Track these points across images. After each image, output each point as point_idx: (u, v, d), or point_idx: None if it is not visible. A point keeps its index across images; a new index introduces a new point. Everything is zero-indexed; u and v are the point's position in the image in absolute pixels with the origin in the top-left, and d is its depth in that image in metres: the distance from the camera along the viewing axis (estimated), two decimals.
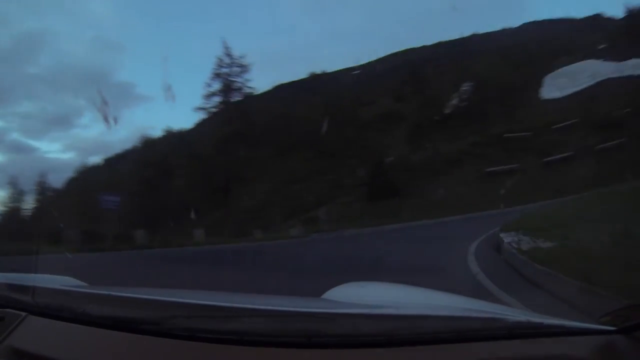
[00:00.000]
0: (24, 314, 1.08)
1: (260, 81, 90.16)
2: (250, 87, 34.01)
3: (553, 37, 48.24)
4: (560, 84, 39.72)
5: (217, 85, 33.19)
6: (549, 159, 27.70)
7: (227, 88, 33.51)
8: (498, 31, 58.97)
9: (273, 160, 33.69)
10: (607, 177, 19.36)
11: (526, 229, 7.68)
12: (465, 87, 39.76)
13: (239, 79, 33.53)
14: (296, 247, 13.75)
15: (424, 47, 59.80)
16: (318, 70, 52.43)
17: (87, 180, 36.69)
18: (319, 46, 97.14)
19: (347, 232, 18.55)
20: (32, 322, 1.06)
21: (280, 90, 49.82)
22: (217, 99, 33.35)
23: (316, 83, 47.04)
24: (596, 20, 53.98)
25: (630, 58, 36.53)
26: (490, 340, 0.87)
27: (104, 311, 1.03)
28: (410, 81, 43.09)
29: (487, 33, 57.16)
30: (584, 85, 36.81)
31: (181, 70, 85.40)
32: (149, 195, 30.44)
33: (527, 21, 63.20)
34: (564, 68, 41.87)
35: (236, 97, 33.74)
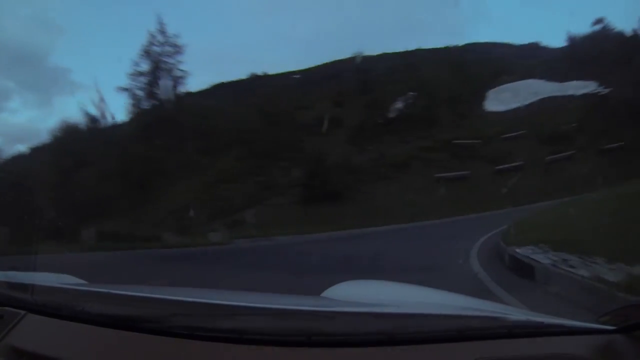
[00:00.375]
0: (22, 312, 1.06)
1: (200, 80, 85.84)
2: (182, 71, 30.29)
3: (494, 57, 49.43)
4: (503, 98, 40.24)
5: (145, 65, 29.13)
6: (501, 167, 26.89)
7: (157, 68, 29.55)
8: (442, 48, 59.40)
9: (205, 158, 30.95)
10: (564, 186, 19.34)
11: (547, 242, 5.17)
12: (411, 94, 38.81)
13: (170, 60, 29.68)
14: (204, 258, 11.09)
15: (368, 57, 58.91)
16: (259, 72, 50.64)
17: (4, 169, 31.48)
18: (262, 49, 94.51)
19: (277, 239, 15.52)
20: (31, 320, 1.04)
21: (220, 89, 47.05)
22: (143, 80, 29.20)
23: (256, 84, 45.04)
24: (533, 48, 56.17)
25: (571, 80, 38.03)
26: (490, 339, 0.86)
27: (103, 309, 1.01)
28: (353, 87, 41.97)
29: (431, 49, 57.70)
30: (528, 101, 37.51)
31: (122, 60, 78.17)
32: (58, 189, 25.89)
33: (470, 42, 64.65)
34: (508, 84, 42.55)
35: (166, 80, 29.85)
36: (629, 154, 23.18)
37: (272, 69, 63.29)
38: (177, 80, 30.57)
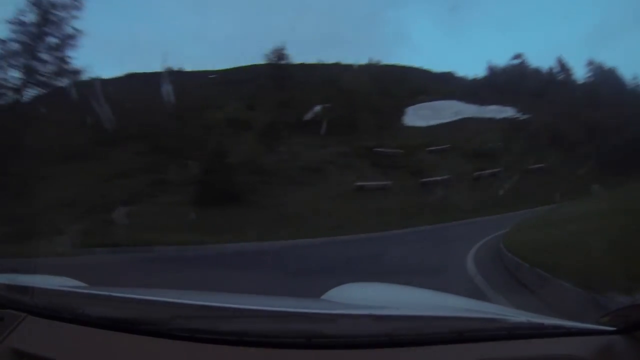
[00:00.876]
0: (23, 314, 1.07)
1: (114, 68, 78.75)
2: (76, 30, 24.44)
3: (413, 79, 51.57)
4: (423, 114, 40.72)
5: (33, 16, 23.21)
6: (427, 179, 25.53)
7: (44, 20, 23.67)
8: (363, 65, 59.94)
9: (99, 148, 27.48)
10: (495, 202, 19.07)
11: None
12: (330, 101, 37.67)
13: (63, 14, 23.83)
14: None
15: (285, 64, 57.80)
16: (175, 67, 48.04)
17: None
18: (182, 44, 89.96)
19: (157, 250, 11.54)
20: (32, 323, 1.05)
21: (132, 79, 44.13)
22: (24, 31, 23.23)
23: (171, 79, 43.14)
24: (448, 77, 59.16)
25: (490, 105, 40.54)
26: (491, 340, 0.87)
27: (103, 312, 1.02)
28: (270, 90, 41.21)
29: (352, 64, 57.91)
30: (448, 120, 38.37)
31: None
32: None
33: (389, 63, 66.08)
34: (428, 103, 43.61)
35: (52, 37, 24.10)
36: (551, 174, 25.27)
37: (190, 66, 60.94)
38: (66, 40, 24.44)
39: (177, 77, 46.74)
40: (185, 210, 18.12)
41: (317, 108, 35.60)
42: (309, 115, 34.18)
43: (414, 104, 42.82)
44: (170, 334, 0.88)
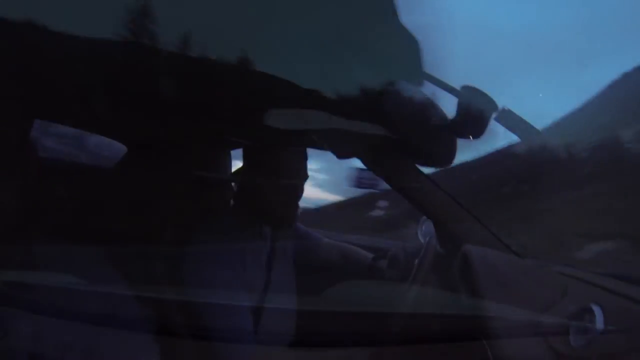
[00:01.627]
0: (22, 312, 1.00)
1: None
2: None
3: (279, 87, 55.57)
4: (287, 119, 39.55)
5: None
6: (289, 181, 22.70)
7: None
8: (231, 63, 61.15)
9: None
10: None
11: None
12: (190, 87, 34.28)
13: None
14: None
15: (146, 45, 55.23)
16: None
17: None
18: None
19: None
20: (31, 321, 0.99)
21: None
22: None
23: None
24: (315, 91, 62.66)
25: (358, 120, 43.18)
26: (489, 338, 0.86)
27: (104, 309, 0.99)
28: (128, 66, 37.63)
29: (217, 59, 59.65)
30: (312, 127, 38.03)
31: None
32: None
33: (259, 70, 69.15)
34: (293, 110, 42.60)
35: None
36: None
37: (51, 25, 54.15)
38: None
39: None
40: None
41: (174, 90, 31.42)
42: (161, 92, 29.77)
43: (279, 108, 41.76)
44: (169, 332, 0.84)
